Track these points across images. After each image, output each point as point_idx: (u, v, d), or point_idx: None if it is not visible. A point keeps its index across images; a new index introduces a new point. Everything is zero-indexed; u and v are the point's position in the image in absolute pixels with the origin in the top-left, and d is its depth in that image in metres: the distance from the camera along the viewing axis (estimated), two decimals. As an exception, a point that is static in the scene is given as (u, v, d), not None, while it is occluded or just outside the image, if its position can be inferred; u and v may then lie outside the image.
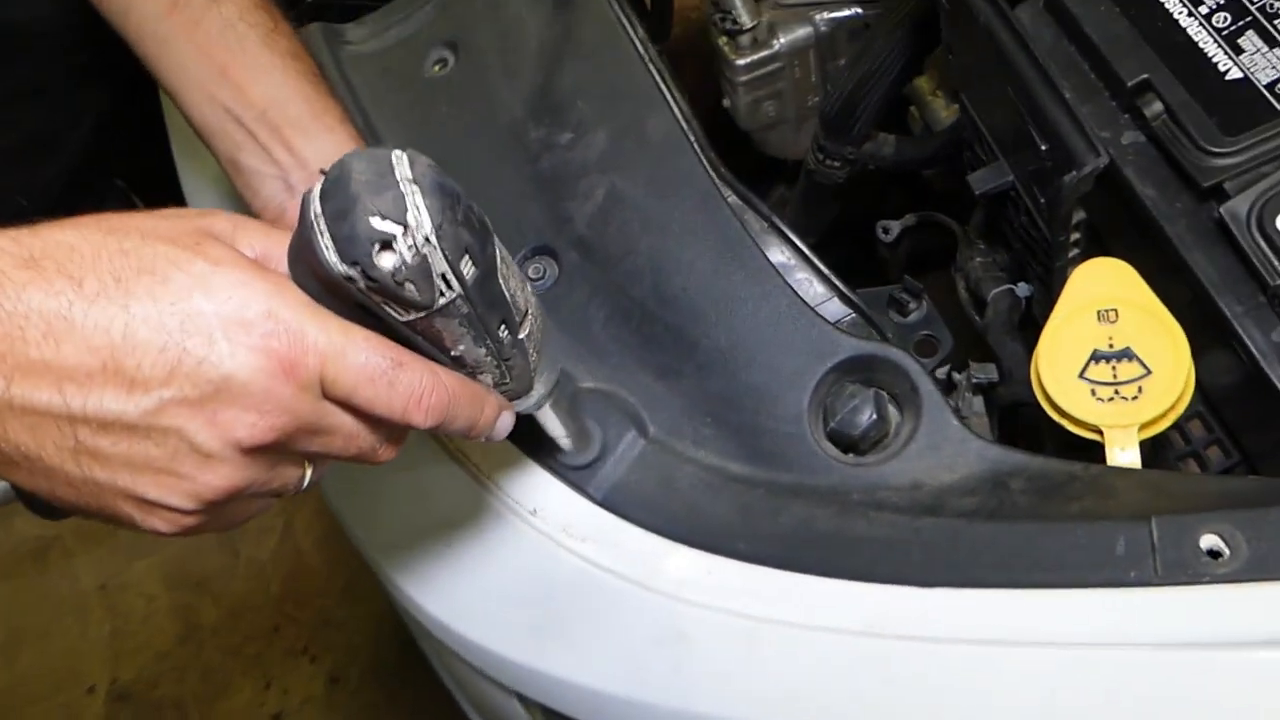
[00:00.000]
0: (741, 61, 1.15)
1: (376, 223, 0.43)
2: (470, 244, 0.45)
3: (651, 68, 0.76)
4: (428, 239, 0.43)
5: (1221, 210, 0.60)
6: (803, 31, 1.15)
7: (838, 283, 0.68)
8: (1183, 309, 0.62)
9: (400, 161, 0.44)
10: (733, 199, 0.71)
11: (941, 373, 0.77)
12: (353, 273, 0.43)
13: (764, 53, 1.15)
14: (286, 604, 1.75)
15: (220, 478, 0.46)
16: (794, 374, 0.64)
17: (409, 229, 0.43)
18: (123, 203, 1.18)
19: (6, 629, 1.80)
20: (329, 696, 1.69)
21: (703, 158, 0.72)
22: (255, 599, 1.76)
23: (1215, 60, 0.63)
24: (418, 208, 0.43)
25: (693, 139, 0.73)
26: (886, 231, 0.97)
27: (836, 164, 1.03)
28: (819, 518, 0.60)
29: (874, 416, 0.61)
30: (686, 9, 1.46)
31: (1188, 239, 0.62)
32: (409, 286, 0.44)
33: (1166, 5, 0.65)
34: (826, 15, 1.15)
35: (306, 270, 0.45)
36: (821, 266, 0.68)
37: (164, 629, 1.76)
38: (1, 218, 1.06)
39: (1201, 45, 0.63)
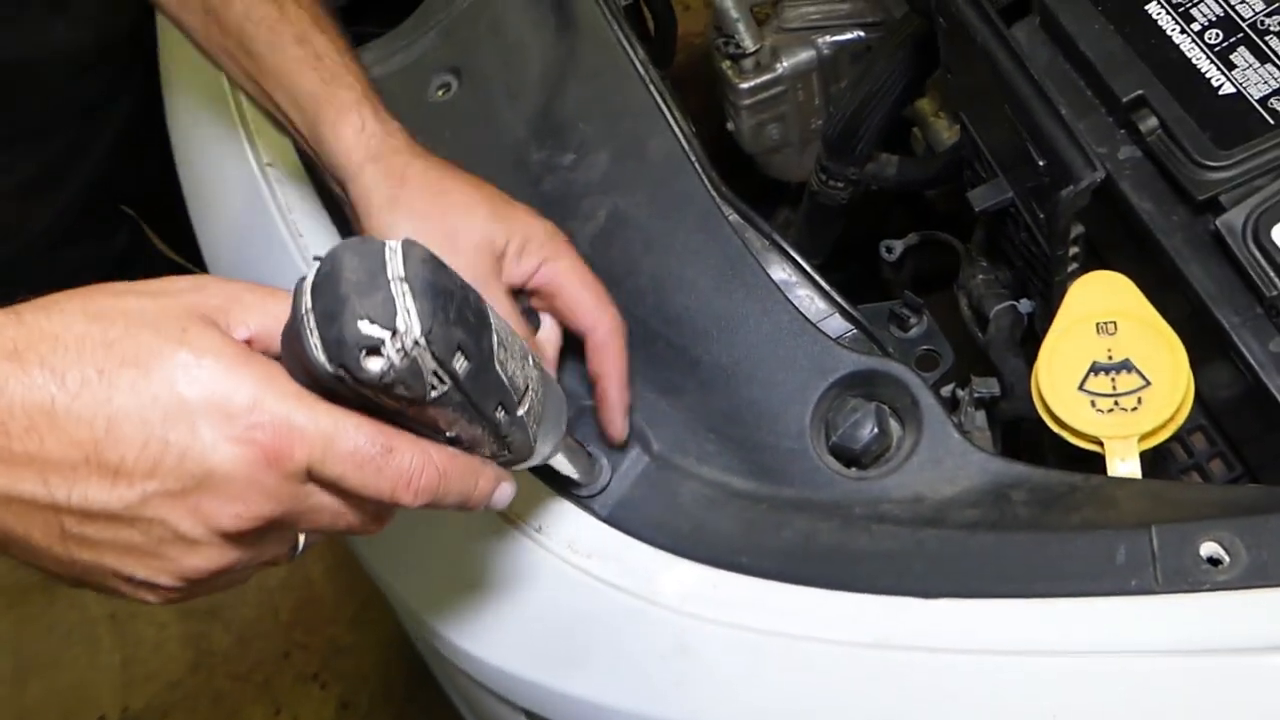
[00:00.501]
0: (745, 85, 1.17)
1: (365, 327, 0.42)
2: (463, 340, 0.45)
3: (652, 89, 0.77)
4: (417, 342, 0.43)
5: (1217, 223, 0.61)
6: (805, 55, 1.16)
7: (838, 298, 0.68)
8: (1181, 321, 0.62)
9: (393, 257, 0.43)
10: (734, 217, 0.72)
11: (946, 390, 0.77)
12: (340, 373, 0.43)
13: (767, 76, 1.16)
14: (296, 631, 1.75)
15: (205, 560, 0.46)
16: (796, 390, 0.65)
17: (398, 333, 0.42)
18: (132, 231, 1.19)
19: (16, 658, 1.80)
20: (339, 722, 1.69)
21: (704, 177, 0.73)
22: (265, 626, 1.76)
23: (1208, 76, 0.63)
24: (408, 310, 0.43)
25: (694, 159, 0.74)
26: (889, 251, 0.97)
27: (839, 185, 1.03)
28: (822, 531, 0.60)
29: (875, 430, 0.61)
30: (690, 35, 1.48)
31: (1185, 252, 0.62)
32: (399, 386, 0.44)
33: (1160, 23, 0.66)
34: (829, 38, 1.16)
35: (296, 360, 0.45)
36: (822, 283, 0.69)
37: (175, 657, 1.76)
38: (10, 251, 1.07)
39: (1194, 61, 0.64)
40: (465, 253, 0.64)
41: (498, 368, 0.48)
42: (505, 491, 0.54)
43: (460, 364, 0.45)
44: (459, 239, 0.64)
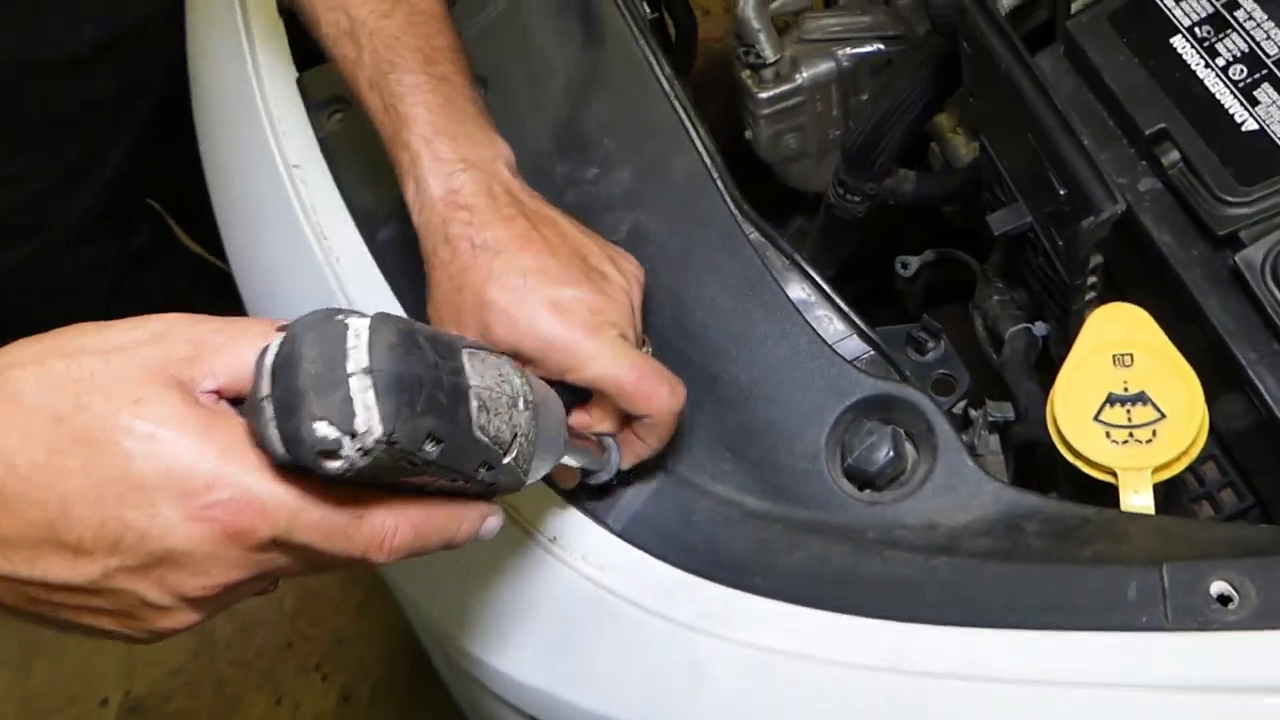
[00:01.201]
0: (764, 95, 1.17)
1: (322, 429, 0.40)
2: (435, 427, 0.42)
3: (677, 105, 0.77)
4: (379, 441, 0.40)
5: (1236, 259, 0.61)
6: (825, 66, 1.17)
7: (857, 320, 0.69)
8: (1197, 354, 0.63)
9: (357, 344, 0.40)
10: (755, 236, 0.72)
11: (957, 408, 0.78)
12: (299, 466, 0.41)
13: (786, 86, 1.17)
14: (300, 620, 1.76)
15: (177, 621, 0.46)
16: (812, 411, 0.65)
17: (358, 435, 0.40)
18: (156, 226, 1.20)
19: (20, 642, 1.81)
20: (340, 713, 1.69)
21: (726, 195, 0.73)
22: (269, 615, 1.77)
23: (1231, 112, 0.64)
24: (368, 408, 0.40)
25: (716, 176, 0.74)
26: (905, 267, 0.98)
27: (857, 199, 1.04)
28: (835, 554, 0.60)
29: (891, 454, 0.62)
30: (709, 39, 1.48)
31: (1203, 286, 0.63)
32: (363, 476, 0.42)
33: (1184, 57, 0.66)
34: (849, 51, 1.17)
35: (256, 437, 0.43)
36: (841, 304, 0.69)
37: (178, 643, 1.77)
38: (33, 249, 1.08)
39: (1218, 97, 0.65)
40: None
41: (478, 433, 0.45)
42: (491, 525, 0.52)
43: (431, 448, 0.43)
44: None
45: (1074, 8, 0.74)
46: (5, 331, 1.12)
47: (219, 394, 0.45)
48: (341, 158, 0.83)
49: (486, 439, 0.46)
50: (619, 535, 0.66)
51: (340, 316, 0.42)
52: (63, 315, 1.10)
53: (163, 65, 1.01)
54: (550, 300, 0.60)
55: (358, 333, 0.41)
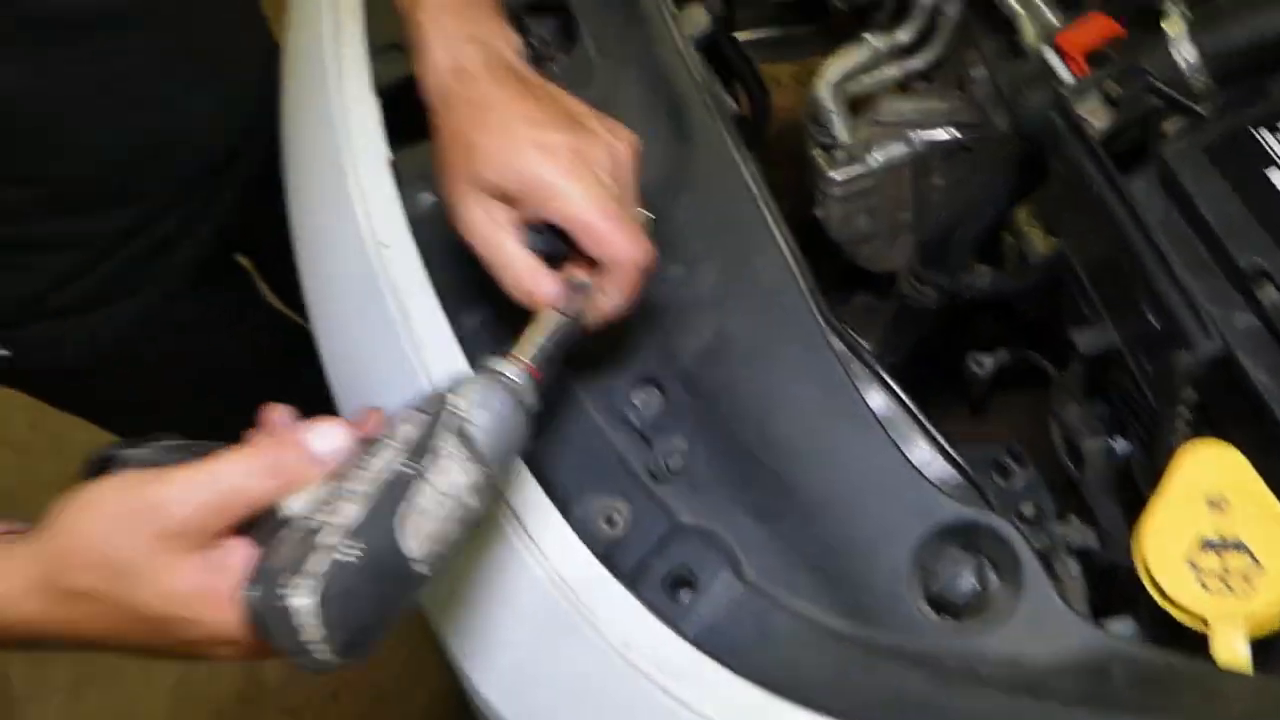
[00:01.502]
0: (837, 176, 1.18)
1: (312, 662, 0.53)
2: (389, 614, 0.55)
3: (763, 207, 0.78)
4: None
5: (1336, 405, 0.60)
6: (898, 150, 1.17)
7: (942, 441, 0.68)
8: (1292, 493, 0.62)
9: (312, 624, 0.51)
10: (838, 345, 0.72)
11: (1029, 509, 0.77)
12: None
13: (859, 169, 1.17)
14: (347, 672, 1.76)
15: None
16: (894, 531, 0.65)
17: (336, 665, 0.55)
18: (244, 284, 1.22)
19: (75, 671, 1.84)
20: (382, 766, 1.70)
21: (810, 302, 0.73)
22: (316, 662, 1.78)
23: (1332, 252, 0.63)
24: (338, 657, 0.54)
25: (801, 282, 0.74)
26: (980, 365, 0.97)
27: (931, 291, 1.04)
28: (913, 683, 0.60)
29: (975, 586, 0.61)
30: (780, 109, 1.49)
31: (1300, 429, 0.62)
32: None
33: (1282, 191, 0.66)
34: (923, 135, 1.17)
35: None
36: (926, 424, 0.69)
37: (227, 685, 1.79)
38: (138, 306, 1.09)
39: (1318, 236, 0.64)
40: (469, 210, 0.66)
41: (425, 577, 0.55)
42: None
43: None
44: (459, 204, 0.66)
45: (1167, 129, 0.74)
46: (100, 389, 1.14)
47: (225, 536, 0.55)
48: (431, 240, 0.84)
49: (442, 563, 0.56)
50: (693, 644, 0.66)
51: (282, 592, 0.50)
52: (155, 371, 1.12)
53: (267, 127, 1.04)
54: (535, 141, 0.65)
55: (305, 616, 0.50)
